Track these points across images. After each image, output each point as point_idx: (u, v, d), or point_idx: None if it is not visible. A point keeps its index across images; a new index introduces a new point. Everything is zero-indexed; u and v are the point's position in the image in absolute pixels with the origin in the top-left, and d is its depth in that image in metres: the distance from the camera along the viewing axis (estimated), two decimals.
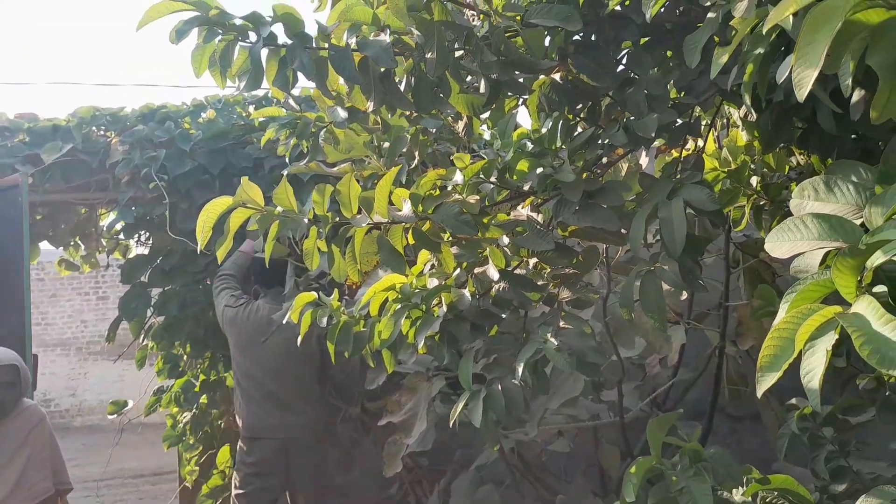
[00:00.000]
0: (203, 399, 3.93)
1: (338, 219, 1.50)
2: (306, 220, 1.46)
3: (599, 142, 1.70)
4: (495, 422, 1.48)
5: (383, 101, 1.46)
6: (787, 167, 2.09)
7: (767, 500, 1.50)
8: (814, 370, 0.81)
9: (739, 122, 2.02)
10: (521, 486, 3.07)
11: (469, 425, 3.37)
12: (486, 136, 2.49)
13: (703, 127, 1.80)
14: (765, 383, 0.83)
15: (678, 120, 1.64)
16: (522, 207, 1.77)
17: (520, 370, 1.42)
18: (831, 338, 0.80)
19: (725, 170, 1.92)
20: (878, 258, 0.81)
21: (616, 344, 2.52)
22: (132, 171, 3.73)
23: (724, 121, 2.52)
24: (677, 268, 1.42)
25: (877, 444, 1.88)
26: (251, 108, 4.19)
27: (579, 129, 1.72)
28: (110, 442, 9.45)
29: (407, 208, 1.49)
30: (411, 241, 1.59)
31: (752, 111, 1.55)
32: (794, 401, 1.91)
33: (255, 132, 3.94)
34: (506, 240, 1.72)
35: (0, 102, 24.49)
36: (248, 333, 3.30)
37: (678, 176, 1.62)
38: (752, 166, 2.10)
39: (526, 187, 1.68)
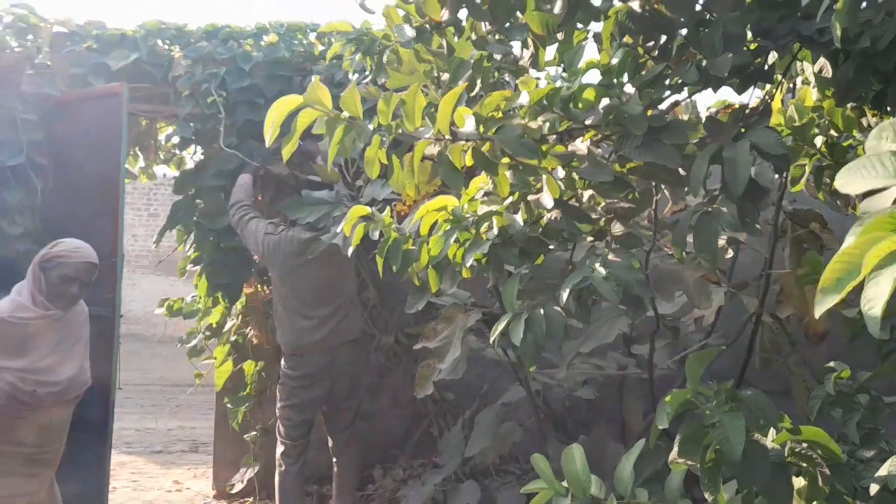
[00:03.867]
0: (240, 305, 4.06)
1: (401, 130, 1.52)
2: (370, 128, 1.49)
3: (668, 81, 1.68)
4: (534, 345, 1.51)
5: (458, 9, 1.46)
6: (855, 130, 2.04)
7: (797, 450, 1.51)
8: (876, 298, 0.81)
9: (812, 79, 1.96)
10: (543, 428, 3.13)
11: (498, 364, 3.44)
12: (551, 71, 2.47)
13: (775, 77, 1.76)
14: (824, 304, 0.83)
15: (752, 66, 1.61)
16: (583, 142, 1.76)
17: (564, 295, 1.44)
18: None
19: (790, 127, 1.88)
20: None
21: (655, 297, 2.52)
22: (193, 86, 3.79)
23: (792, 84, 2.45)
24: (735, 210, 1.41)
25: None
26: (312, 37, 4.20)
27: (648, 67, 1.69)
28: (151, 351, 9.86)
29: (469, 126, 1.50)
30: (469, 163, 1.61)
31: (831, 61, 1.51)
32: (831, 363, 1.91)
33: (314, 61, 3.96)
34: (561, 172, 1.73)
35: (69, 9, 24.92)
36: (289, 257, 3.40)
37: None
38: (818, 126, 2.05)
39: (588, 121, 1.67)
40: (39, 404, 2.58)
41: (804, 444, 1.49)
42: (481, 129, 1.55)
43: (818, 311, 0.85)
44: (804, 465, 1.44)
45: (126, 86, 3.55)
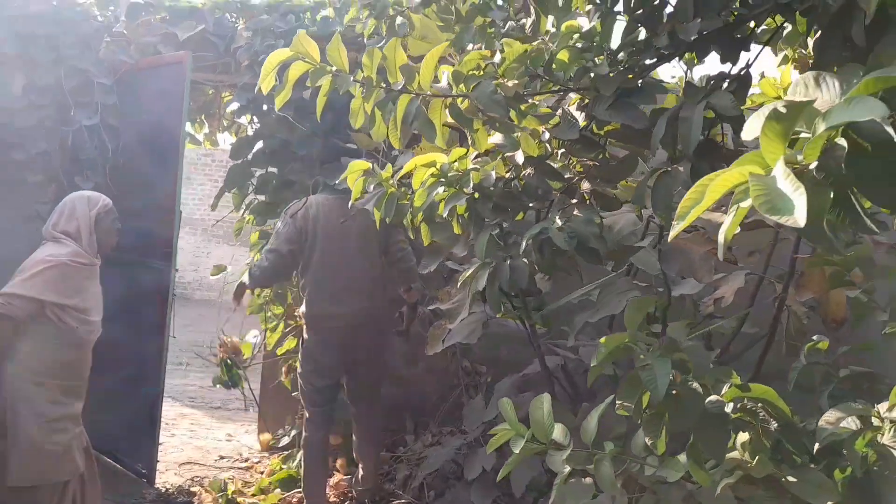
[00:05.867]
0: None
1: (384, 84, 1.63)
2: (352, 80, 1.61)
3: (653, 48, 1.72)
4: (500, 293, 1.60)
5: None
6: None
7: (748, 407, 1.55)
8: (725, 227, 0.88)
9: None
10: (560, 399, 3.18)
11: (523, 340, 3.51)
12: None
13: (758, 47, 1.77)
14: (675, 230, 0.90)
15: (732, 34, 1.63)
16: (570, 105, 1.83)
17: (523, 245, 1.53)
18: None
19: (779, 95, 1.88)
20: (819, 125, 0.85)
21: (666, 273, 2.54)
22: (251, 57, 4.02)
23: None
24: (690, 168, 1.46)
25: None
26: None
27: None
28: (222, 317, 10.39)
29: (445, 82, 1.60)
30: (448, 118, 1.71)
31: (809, 27, 1.53)
32: (815, 337, 1.90)
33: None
34: (547, 135, 1.80)
35: None
36: (324, 225, 3.49)
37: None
38: None
39: (571, 84, 1.74)
40: (79, 342, 2.89)
41: (756, 403, 1.52)
42: (462, 86, 1.65)
43: (671, 236, 0.91)
44: (750, 420, 1.47)
45: (190, 55, 3.80)
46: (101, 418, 3.64)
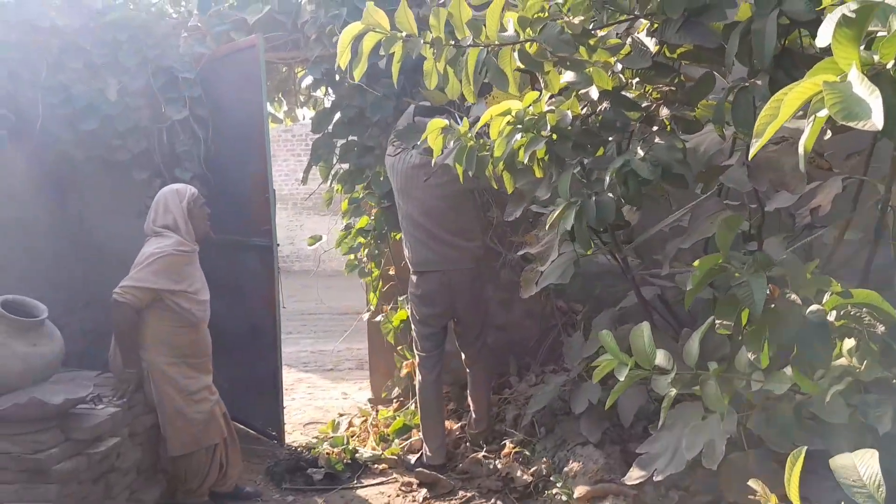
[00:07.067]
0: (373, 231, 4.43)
1: (452, 42, 1.67)
2: (422, 42, 1.66)
3: None
4: (588, 230, 1.64)
5: None
6: None
7: (852, 313, 1.54)
8: (804, 140, 0.89)
9: None
10: (661, 328, 3.19)
11: (618, 274, 3.51)
12: None
13: None
14: (754, 147, 0.92)
15: None
16: (638, 33, 1.82)
17: (607, 179, 1.56)
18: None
19: None
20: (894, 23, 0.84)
21: (757, 189, 2.49)
22: (318, 29, 4.12)
23: None
24: (768, 81, 1.44)
25: None
26: None
27: None
28: (322, 283, 10.83)
29: (512, 29, 1.63)
30: (521, 65, 1.74)
31: None
32: None
33: None
34: (619, 66, 1.80)
35: None
36: (404, 179, 3.62)
37: None
38: None
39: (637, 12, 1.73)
40: (196, 321, 3.16)
41: (860, 309, 1.51)
42: (528, 31, 1.67)
43: (751, 153, 0.93)
44: (855, 326, 1.47)
45: (261, 36, 3.94)
46: (232, 390, 3.96)
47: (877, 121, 0.76)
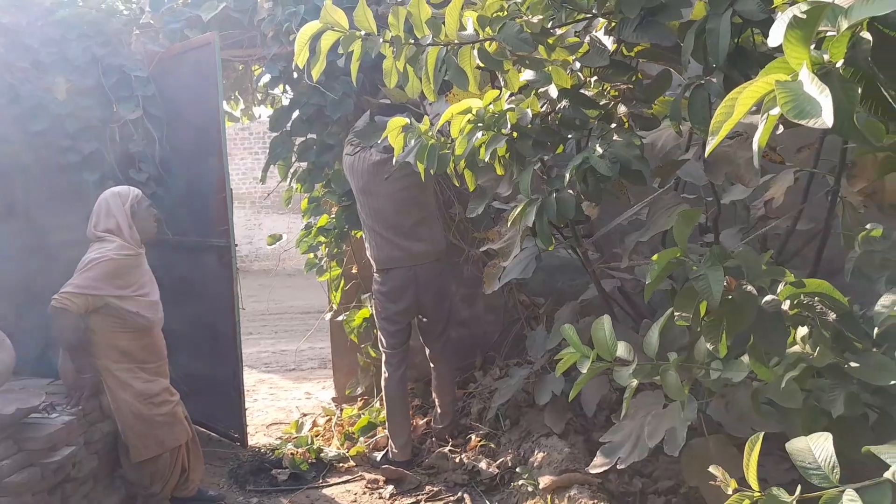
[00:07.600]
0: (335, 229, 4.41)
1: (412, 41, 1.68)
2: (381, 41, 1.66)
3: None
4: (549, 226, 1.66)
5: None
6: None
7: (805, 302, 1.59)
8: (758, 137, 0.92)
9: None
10: (621, 319, 3.26)
11: (578, 268, 3.57)
12: None
13: None
14: (711, 145, 0.95)
15: None
16: (596, 32, 1.85)
17: (567, 176, 1.58)
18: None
19: None
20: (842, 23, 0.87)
21: (714, 183, 2.55)
22: (275, 27, 4.07)
23: None
24: (722, 79, 1.48)
25: None
26: None
27: None
28: (281, 283, 10.74)
29: (471, 28, 1.64)
30: (481, 64, 1.75)
31: None
32: (868, 226, 1.91)
33: None
34: (578, 65, 1.83)
35: None
36: (365, 177, 3.61)
37: None
38: None
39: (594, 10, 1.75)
40: (147, 323, 3.10)
41: (812, 297, 1.57)
42: (488, 30, 1.68)
43: (707, 150, 0.96)
44: (808, 314, 1.52)
45: (216, 34, 3.87)
46: (192, 392, 3.89)
47: (827, 119, 0.79)
